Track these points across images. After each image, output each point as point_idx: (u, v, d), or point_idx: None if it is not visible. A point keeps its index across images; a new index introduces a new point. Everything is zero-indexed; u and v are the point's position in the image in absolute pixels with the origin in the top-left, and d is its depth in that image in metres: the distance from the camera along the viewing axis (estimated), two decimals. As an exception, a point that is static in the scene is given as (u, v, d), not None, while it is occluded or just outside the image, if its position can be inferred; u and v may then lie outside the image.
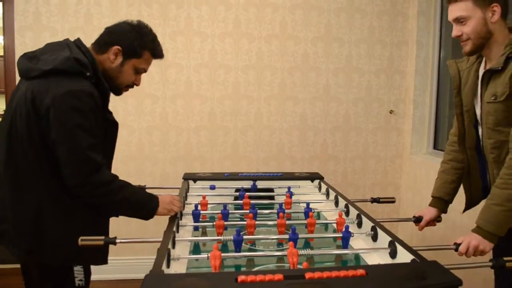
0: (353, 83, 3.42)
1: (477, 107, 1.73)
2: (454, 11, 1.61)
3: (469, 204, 1.88)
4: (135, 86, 1.75)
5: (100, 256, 1.66)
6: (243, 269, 1.46)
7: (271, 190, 2.39)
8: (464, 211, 1.89)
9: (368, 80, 3.44)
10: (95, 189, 1.52)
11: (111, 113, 1.68)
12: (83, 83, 1.51)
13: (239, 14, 3.23)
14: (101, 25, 3.09)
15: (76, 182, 1.49)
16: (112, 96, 1.68)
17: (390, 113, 3.49)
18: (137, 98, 3.15)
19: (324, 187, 2.35)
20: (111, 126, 1.67)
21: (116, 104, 3.07)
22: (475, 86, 1.73)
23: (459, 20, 1.61)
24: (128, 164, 3.18)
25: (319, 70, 3.37)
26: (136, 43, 1.63)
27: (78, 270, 1.63)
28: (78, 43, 1.61)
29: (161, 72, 3.18)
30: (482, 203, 1.80)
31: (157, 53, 1.71)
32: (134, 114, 3.17)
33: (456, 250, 1.55)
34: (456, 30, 1.63)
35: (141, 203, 1.65)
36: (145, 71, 1.72)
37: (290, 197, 2.12)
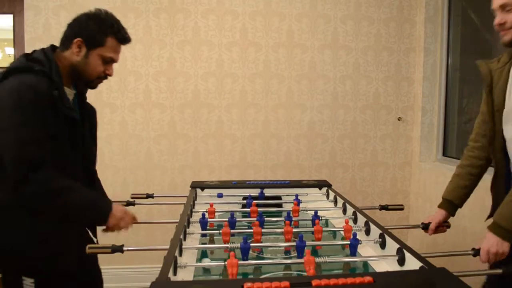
0: (361, 90, 3.42)
1: (505, 109, 1.69)
2: None
3: (494, 210, 1.75)
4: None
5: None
6: (250, 277, 1.45)
7: (278, 198, 2.38)
8: (488, 217, 1.78)
9: (375, 87, 3.43)
10: (34, 187, 1.42)
11: (72, 109, 1.58)
12: (27, 77, 1.45)
13: (246, 23, 3.25)
14: (110, 36, 3.16)
15: (13, 180, 1.41)
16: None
17: (398, 120, 3.47)
18: (145, 107, 3.17)
19: (332, 194, 2.34)
20: (70, 124, 1.55)
21: (125, 114, 3.11)
22: (506, 86, 1.69)
23: (504, 8, 1.56)
24: (136, 173, 3.19)
25: (327, 78, 3.37)
26: (95, 30, 1.58)
27: (28, 284, 1.50)
28: (47, 47, 1.60)
29: (168, 81, 3.20)
30: None
31: (120, 37, 1.63)
32: (142, 123, 3.19)
33: (474, 256, 1.53)
34: (499, 18, 1.58)
35: (89, 204, 1.55)
36: (113, 60, 1.64)
37: (298, 204, 2.11)
